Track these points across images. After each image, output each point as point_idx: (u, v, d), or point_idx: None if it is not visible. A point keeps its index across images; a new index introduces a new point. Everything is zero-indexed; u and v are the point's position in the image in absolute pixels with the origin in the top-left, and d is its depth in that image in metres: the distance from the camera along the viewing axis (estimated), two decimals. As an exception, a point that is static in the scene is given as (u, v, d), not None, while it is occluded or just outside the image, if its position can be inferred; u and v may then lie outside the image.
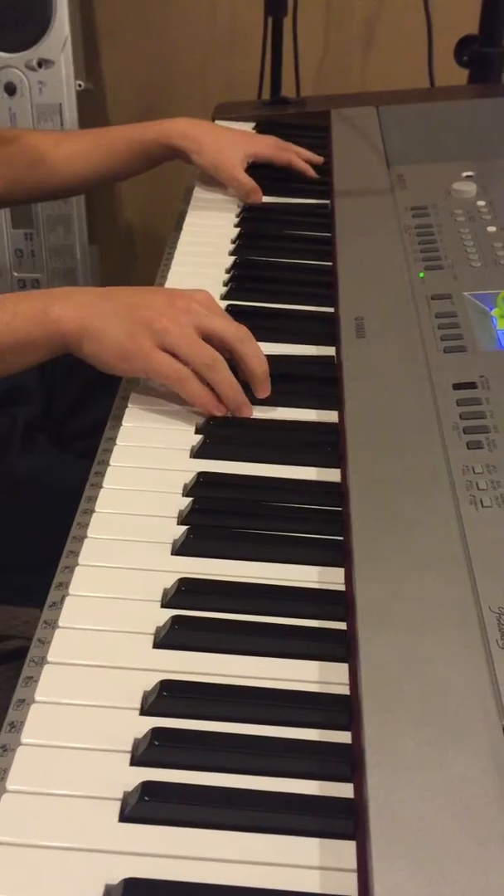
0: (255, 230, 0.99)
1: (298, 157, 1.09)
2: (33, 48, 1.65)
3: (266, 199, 1.04)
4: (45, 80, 1.66)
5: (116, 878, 0.40)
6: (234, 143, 1.04)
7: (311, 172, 1.09)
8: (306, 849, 0.42)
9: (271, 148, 1.08)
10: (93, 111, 1.79)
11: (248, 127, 1.26)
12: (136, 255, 1.99)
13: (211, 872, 0.41)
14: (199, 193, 1.08)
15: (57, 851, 0.42)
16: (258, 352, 0.70)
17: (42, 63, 1.65)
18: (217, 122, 1.28)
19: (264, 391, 0.71)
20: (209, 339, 0.69)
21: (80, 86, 1.68)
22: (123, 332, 0.68)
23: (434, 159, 1.05)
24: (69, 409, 0.98)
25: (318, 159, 1.10)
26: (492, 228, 0.89)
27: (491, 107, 1.23)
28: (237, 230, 0.99)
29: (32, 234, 1.78)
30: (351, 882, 0.41)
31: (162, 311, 0.68)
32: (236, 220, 1.01)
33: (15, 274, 1.82)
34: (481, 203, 0.94)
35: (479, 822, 0.41)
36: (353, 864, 0.41)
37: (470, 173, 1.00)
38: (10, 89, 1.66)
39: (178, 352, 0.68)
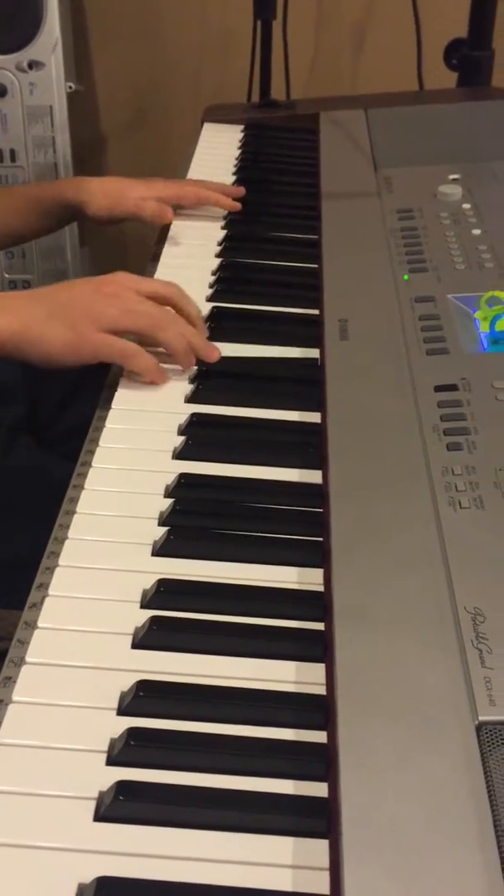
0: (241, 232, 0.99)
1: (217, 195, 1.02)
2: (24, 50, 1.65)
3: (252, 199, 1.04)
4: (36, 81, 1.66)
5: (90, 877, 0.41)
6: (128, 187, 0.99)
7: (227, 203, 1.01)
8: (280, 848, 0.42)
9: (177, 189, 1.00)
10: (83, 113, 1.79)
11: (236, 130, 1.27)
12: (126, 256, 1.99)
13: (185, 871, 0.41)
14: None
15: (31, 850, 0.42)
16: (190, 304, 0.76)
17: (33, 65, 1.65)
18: (206, 124, 1.29)
19: (212, 352, 0.75)
20: (153, 299, 0.74)
21: (70, 87, 1.68)
22: (62, 326, 0.71)
23: (421, 162, 1.05)
24: (54, 410, 0.98)
25: (238, 191, 1.04)
26: (476, 231, 0.89)
27: (478, 110, 1.23)
28: (224, 232, 0.99)
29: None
30: (323, 881, 0.41)
31: (94, 300, 0.72)
32: (223, 223, 1.01)
33: (6, 275, 1.82)
34: (467, 206, 0.94)
35: (451, 821, 0.41)
36: (326, 863, 0.42)
37: (456, 176, 1.00)
38: (1, 91, 1.67)
39: (120, 327, 0.72)
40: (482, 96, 1.31)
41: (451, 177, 1.00)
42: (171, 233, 0.99)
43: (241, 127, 1.27)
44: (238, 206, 1.02)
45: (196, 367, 0.76)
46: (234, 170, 1.15)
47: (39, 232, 1.07)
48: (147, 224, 0.99)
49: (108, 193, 0.97)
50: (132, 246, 1.97)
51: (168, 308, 0.75)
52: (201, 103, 1.38)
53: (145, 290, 0.75)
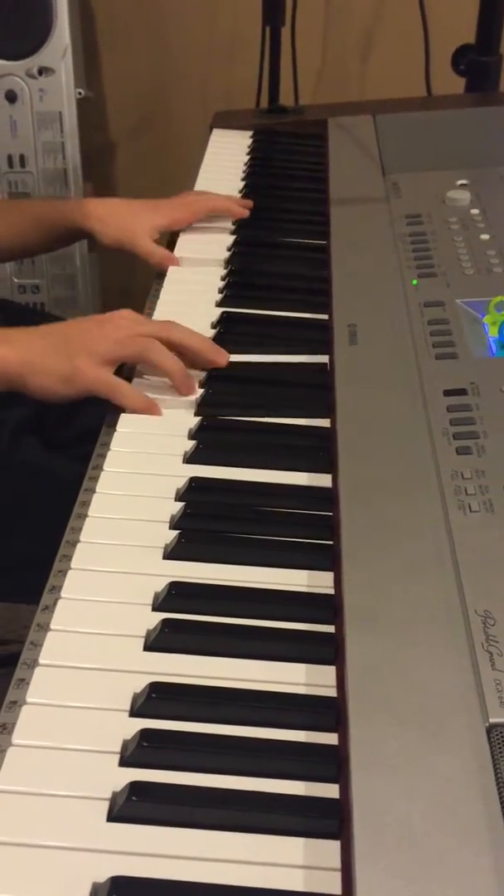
0: (250, 237, 1.00)
1: (227, 202, 1.02)
2: (34, 56, 1.66)
3: (261, 204, 1.04)
4: (46, 87, 1.67)
5: (104, 876, 0.41)
6: (141, 216, 0.98)
7: (238, 211, 1.01)
8: (292, 848, 0.43)
9: (185, 211, 1.00)
10: (93, 119, 1.80)
11: (245, 136, 1.27)
12: (134, 262, 1.99)
13: (197, 871, 0.42)
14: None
15: (46, 850, 0.42)
16: (188, 331, 0.77)
17: (42, 71, 1.66)
18: (215, 130, 1.30)
19: (221, 356, 0.76)
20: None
21: (80, 94, 1.69)
22: (60, 359, 0.73)
23: (429, 168, 1.06)
24: (63, 412, 0.99)
25: (247, 203, 1.03)
26: (485, 236, 0.90)
27: (486, 115, 1.24)
28: (233, 237, 1.00)
29: (33, 241, 1.78)
30: (335, 881, 0.41)
31: (93, 335, 0.74)
32: (232, 228, 1.02)
33: (15, 280, 1.83)
34: (475, 211, 0.95)
35: (462, 822, 0.41)
36: (338, 864, 0.42)
37: (464, 182, 1.00)
38: (11, 97, 1.68)
39: (114, 357, 0.73)
40: (490, 102, 1.32)
41: (460, 182, 1.00)
42: (180, 239, 1.00)
43: (250, 133, 1.28)
44: (246, 212, 1.02)
45: (206, 373, 0.76)
46: (242, 175, 1.15)
47: (45, 249, 1.08)
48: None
49: (116, 226, 0.97)
50: (141, 251, 1.98)
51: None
52: (210, 109, 1.39)
53: (145, 324, 0.77)
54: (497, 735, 0.45)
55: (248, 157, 1.21)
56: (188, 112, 1.79)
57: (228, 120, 1.32)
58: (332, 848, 0.43)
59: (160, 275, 0.94)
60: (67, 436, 0.97)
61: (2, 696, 0.50)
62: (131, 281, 1.98)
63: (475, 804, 0.42)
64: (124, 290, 1.92)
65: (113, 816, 0.43)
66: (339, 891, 0.41)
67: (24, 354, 0.74)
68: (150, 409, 0.73)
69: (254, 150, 1.23)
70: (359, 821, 0.42)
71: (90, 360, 0.73)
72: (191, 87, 1.80)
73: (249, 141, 1.26)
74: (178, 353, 0.75)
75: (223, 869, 0.42)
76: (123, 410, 0.72)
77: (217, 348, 0.77)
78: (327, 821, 0.43)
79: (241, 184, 1.13)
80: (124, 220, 0.98)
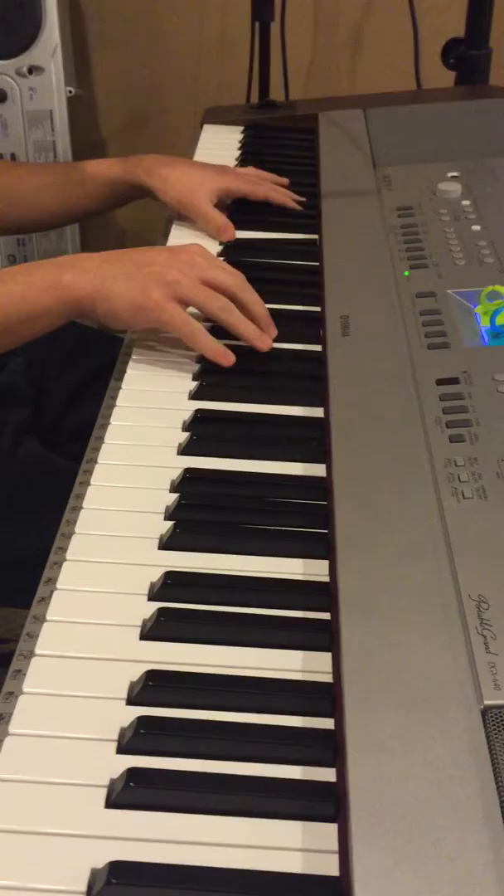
0: (242, 231, 1.00)
1: (276, 190, 1.03)
2: (24, 55, 1.66)
3: (252, 199, 1.04)
4: (36, 86, 1.67)
5: (102, 862, 0.41)
6: (202, 179, 0.99)
7: (292, 204, 1.02)
8: (289, 831, 0.43)
9: (245, 183, 1.01)
10: (83, 117, 1.80)
11: (236, 131, 1.27)
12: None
13: (195, 855, 0.42)
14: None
15: (44, 837, 0.42)
16: (257, 298, 0.77)
17: (32, 69, 1.66)
18: (206, 126, 1.30)
19: (272, 330, 0.77)
20: (213, 288, 0.74)
21: (70, 92, 1.69)
22: (135, 288, 0.72)
23: (420, 160, 1.06)
24: (59, 410, 0.99)
25: (298, 199, 1.04)
26: (476, 227, 0.90)
27: (476, 108, 1.24)
28: (225, 232, 1.00)
29: (25, 240, 1.79)
30: (332, 863, 0.42)
31: (168, 265, 0.72)
32: (224, 222, 1.02)
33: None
34: (466, 203, 0.95)
35: (457, 804, 0.42)
36: (335, 846, 0.42)
37: (455, 173, 1.01)
38: (1, 96, 1.68)
39: (190, 300, 0.72)
40: (480, 95, 1.32)
41: (451, 174, 1.00)
42: (172, 233, 1.00)
43: (241, 128, 1.28)
44: (297, 206, 1.03)
45: (199, 364, 0.76)
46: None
47: (105, 210, 1.08)
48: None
49: (179, 185, 0.98)
50: (133, 249, 1.98)
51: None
52: (200, 105, 1.39)
53: (216, 268, 0.76)
54: (492, 717, 0.45)
55: (238, 153, 1.21)
56: (179, 108, 1.79)
57: (219, 116, 1.32)
58: (329, 831, 0.43)
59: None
60: (64, 432, 0.98)
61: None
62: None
63: (471, 786, 0.42)
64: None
65: (111, 803, 0.44)
66: (336, 872, 0.41)
67: (94, 280, 0.72)
68: (226, 357, 0.72)
69: (244, 146, 1.23)
70: (355, 803, 0.42)
71: (165, 292, 0.71)
72: (181, 84, 1.80)
73: (240, 136, 1.26)
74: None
75: (221, 853, 0.42)
76: (116, 397, 0.72)
77: (272, 323, 0.77)
78: (324, 804, 0.44)
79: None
80: (186, 179, 0.98)
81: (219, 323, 0.75)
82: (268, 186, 1.03)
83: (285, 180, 1.07)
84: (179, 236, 0.99)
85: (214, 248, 0.98)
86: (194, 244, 0.77)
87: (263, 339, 0.75)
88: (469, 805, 0.42)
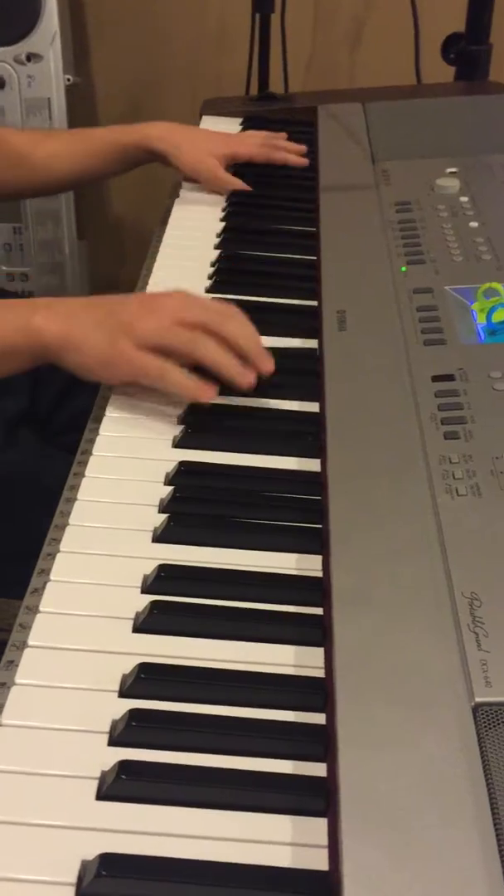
0: (240, 224, 1.00)
1: (277, 151, 1.09)
2: (22, 42, 1.65)
3: (250, 192, 1.05)
4: (34, 74, 1.66)
5: (93, 854, 0.41)
6: (213, 144, 1.04)
7: (297, 160, 1.09)
8: (279, 826, 0.43)
9: (251, 147, 1.07)
10: (82, 106, 1.79)
11: (234, 123, 1.27)
12: (124, 249, 2.00)
13: (186, 849, 0.42)
14: (187, 188, 1.08)
15: (35, 828, 0.42)
16: (244, 329, 0.70)
17: (31, 57, 1.65)
18: (205, 118, 1.29)
19: (265, 365, 0.70)
20: (190, 326, 0.69)
21: (68, 80, 1.68)
22: (104, 339, 0.68)
23: (419, 155, 1.06)
24: (54, 402, 0.98)
25: (301, 149, 1.10)
26: (474, 224, 0.90)
27: (476, 104, 1.24)
28: (222, 224, 1.00)
29: (21, 228, 1.78)
30: (322, 858, 0.42)
31: (139, 315, 0.69)
32: (221, 214, 1.02)
33: (3, 268, 1.83)
34: (464, 199, 0.95)
35: (447, 800, 0.42)
36: (325, 841, 0.42)
37: (454, 169, 1.01)
38: (0, 83, 1.67)
39: (157, 344, 0.68)
40: (480, 90, 1.32)
41: (449, 170, 1.00)
42: (169, 225, 1.00)
43: (240, 120, 1.27)
44: (306, 161, 1.09)
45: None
46: (229, 167, 1.15)
47: (116, 174, 1.10)
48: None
49: (192, 153, 1.02)
50: (130, 239, 1.98)
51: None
52: (199, 96, 1.38)
53: (195, 307, 0.70)
54: (483, 714, 0.45)
55: (237, 145, 1.20)
56: (178, 99, 1.78)
57: (218, 107, 1.31)
58: (319, 825, 0.43)
59: (152, 253, 0.94)
60: (60, 421, 0.97)
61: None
62: (120, 269, 1.98)
63: (461, 782, 0.42)
64: (113, 279, 1.91)
65: (102, 795, 0.44)
66: (326, 867, 0.41)
67: (65, 327, 0.68)
68: (204, 393, 0.67)
69: (243, 138, 1.22)
70: (345, 799, 0.42)
71: (134, 343, 0.67)
72: (180, 75, 1.80)
73: (239, 128, 1.25)
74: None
75: (211, 846, 0.42)
76: (110, 388, 0.72)
77: (264, 354, 0.70)
78: (314, 799, 0.44)
79: (231, 170, 1.12)
80: (198, 145, 1.03)
81: (196, 362, 0.68)
82: (272, 149, 1.08)
83: (300, 147, 1.10)
84: (187, 197, 1.01)
85: (216, 219, 0.98)
86: (178, 291, 0.72)
87: (244, 374, 0.68)
88: (459, 802, 0.42)
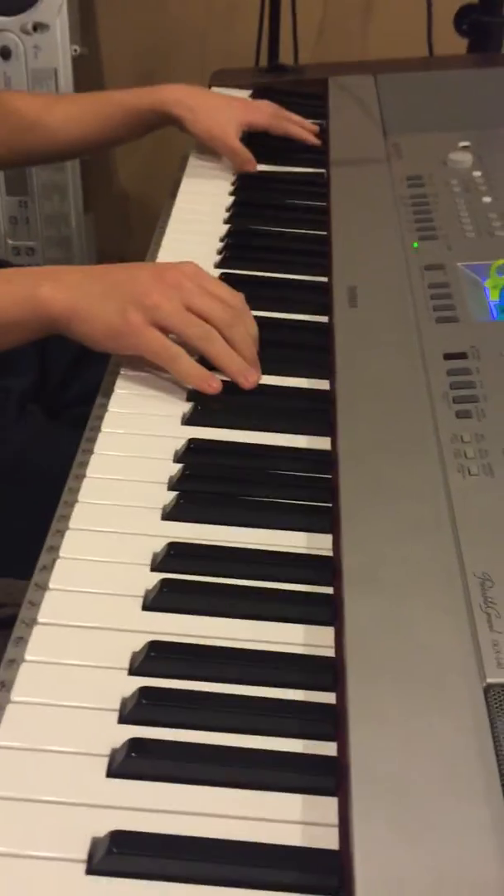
0: (249, 198, 0.99)
1: (294, 125, 1.08)
2: (29, 12, 1.63)
3: (262, 167, 1.03)
4: (41, 44, 1.64)
5: (103, 831, 0.41)
6: (229, 111, 1.03)
7: (312, 139, 1.08)
8: (290, 804, 0.43)
9: (267, 117, 1.07)
10: (88, 76, 1.77)
11: (244, 95, 1.25)
12: (131, 223, 1.98)
13: (195, 826, 0.42)
14: (195, 161, 1.07)
15: (46, 805, 0.43)
16: (246, 337, 0.69)
17: (37, 27, 1.63)
18: (214, 89, 1.28)
19: (255, 373, 0.69)
20: (199, 316, 0.68)
21: (75, 51, 1.66)
22: (113, 310, 0.67)
23: (431, 129, 1.04)
24: (62, 378, 0.98)
25: (314, 128, 1.10)
26: (487, 199, 0.89)
27: (489, 77, 1.22)
28: (232, 198, 0.98)
29: (27, 202, 1.76)
30: (332, 836, 0.42)
31: (151, 287, 0.67)
32: (231, 189, 1.01)
33: (9, 241, 1.81)
34: (477, 174, 0.94)
35: (458, 779, 0.42)
36: (335, 820, 0.42)
37: (466, 143, 0.99)
38: (5, 53, 1.65)
39: (169, 327, 0.67)
40: (493, 63, 1.30)
41: (462, 144, 0.99)
42: (178, 199, 0.99)
43: (250, 92, 1.26)
44: (313, 139, 1.08)
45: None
46: (241, 135, 1.13)
47: (132, 138, 1.09)
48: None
49: (207, 117, 1.01)
50: (137, 212, 1.96)
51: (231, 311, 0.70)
52: (208, 68, 1.36)
53: (205, 294, 0.69)
54: (494, 694, 0.45)
55: (247, 117, 1.19)
56: (186, 70, 1.76)
57: (227, 79, 1.30)
58: (329, 804, 0.43)
59: (160, 227, 0.93)
60: (68, 399, 0.97)
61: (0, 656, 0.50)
62: (127, 243, 1.96)
63: (472, 762, 0.42)
64: (120, 252, 1.90)
65: (112, 772, 0.44)
66: (336, 846, 0.41)
67: (73, 298, 0.67)
68: (210, 385, 0.67)
69: (253, 110, 1.21)
70: (356, 777, 0.42)
71: (144, 317, 0.66)
72: (189, 45, 1.77)
73: (249, 100, 1.24)
74: None
75: (221, 824, 0.42)
76: (119, 365, 0.71)
77: (256, 365, 0.69)
78: (325, 777, 0.44)
79: (243, 141, 1.11)
80: (215, 111, 1.02)
81: (200, 353, 0.68)
82: (287, 122, 1.07)
83: (303, 122, 1.09)
84: (196, 171, 1.00)
85: (226, 193, 0.98)
86: (188, 263, 0.70)
87: (248, 373, 0.68)
88: (470, 782, 0.42)
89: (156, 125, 1.05)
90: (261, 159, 1.04)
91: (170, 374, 0.69)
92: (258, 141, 1.09)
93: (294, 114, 1.10)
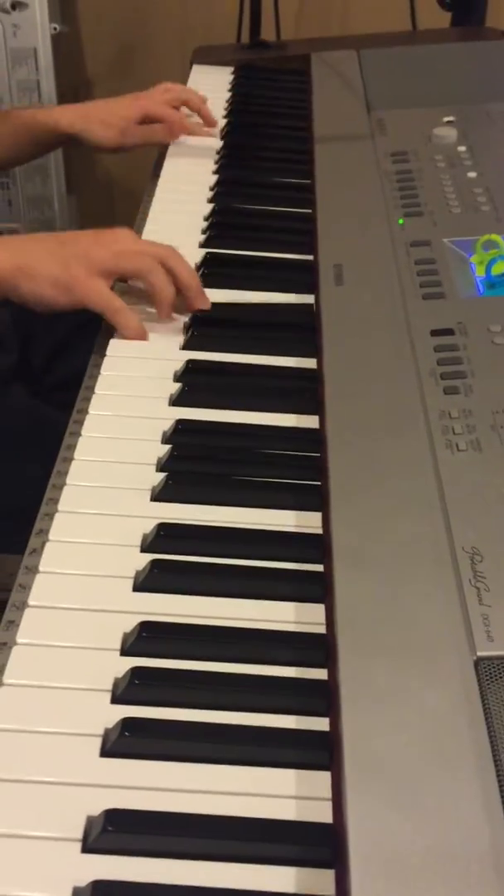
0: (233, 176, 0.98)
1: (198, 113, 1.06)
2: (6, -10, 1.60)
3: (243, 142, 1.03)
4: (20, 23, 1.62)
5: (98, 810, 0.41)
6: (121, 107, 1.02)
7: (207, 132, 1.06)
8: (283, 779, 0.43)
9: (164, 106, 1.04)
10: (68, 55, 1.75)
11: (226, 72, 1.24)
12: (114, 204, 1.96)
13: (190, 803, 0.42)
14: (177, 140, 1.06)
15: (40, 786, 0.43)
16: (187, 265, 0.75)
17: (16, 5, 1.60)
18: (195, 66, 1.26)
19: (203, 301, 0.75)
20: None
21: (55, 29, 1.64)
22: (58, 264, 0.71)
23: (415, 104, 1.04)
24: (47, 359, 0.98)
25: (214, 121, 1.08)
26: (472, 174, 0.89)
27: (473, 51, 1.21)
28: (215, 177, 0.98)
29: (9, 184, 1.75)
30: (326, 810, 0.42)
31: (92, 242, 0.72)
32: (214, 167, 1.00)
33: (-8, 225, 1.79)
34: (462, 149, 0.93)
35: (449, 753, 0.42)
36: (328, 794, 0.43)
37: (451, 118, 0.99)
38: (-16, 33, 1.62)
39: (111, 269, 0.72)
40: (476, 36, 1.29)
41: (446, 119, 0.98)
42: (161, 179, 0.98)
43: (231, 69, 1.25)
44: (214, 122, 1.07)
45: (190, 315, 0.75)
46: (224, 113, 1.13)
47: (32, 157, 1.09)
48: (162, 143, 1.02)
49: (106, 122, 0.99)
50: (120, 194, 1.95)
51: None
52: (189, 45, 1.35)
53: (143, 242, 0.76)
54: (484, 668, 0.45)
55: (229, 94, 1.18)
56: (167, 48, 1.74)
57: (209, 55, 1.29)
58: (323, 779, 0.43)
59: (144, 203, 0.93)
60: (52, 381, 0.96)
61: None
62: (111, 224, 1.94)
63: (463, 735, 0.43)
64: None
65: (106, 752, 0.44)
66: (330, 819, 0.42)
67: (17, 258, 0.71)
68: (142, 336, 0.72)
69: (235, 87, 1.20)
70: (349, 752, 0.42)
71: (88, 269, 0.71)
72: (169, 22, 1.75)
73: (230, 77, 1.23)
74: None
75: (216, 801, 0.42)
76: (105, 348, 0.71)
77: (203, 294, 0.76)
78: (318, 752, 0.44)
79: (224, 121, 1.10)
80: (111, 116, 1.00)
81: (144, 283, 0.74)
82: (179, 117, 1.05)
83: (212, 118, 1.08)
84: (179, 149, 0.98)
85: (209, 172, 0.96)
86: (123, 227, 0.76)
87: (169, 314, 0.74)
88: (461, 755, 0.42)
89: (58, 144, 1.06)
90: (243, 137, 1.03)
91: (160, 351, 0.71)
92: (240, 118, 1.09)
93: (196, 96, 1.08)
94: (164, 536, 0.55)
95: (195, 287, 0.75)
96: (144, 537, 0.56)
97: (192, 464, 0.61)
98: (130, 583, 0.53)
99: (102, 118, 1.00)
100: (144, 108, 1.02)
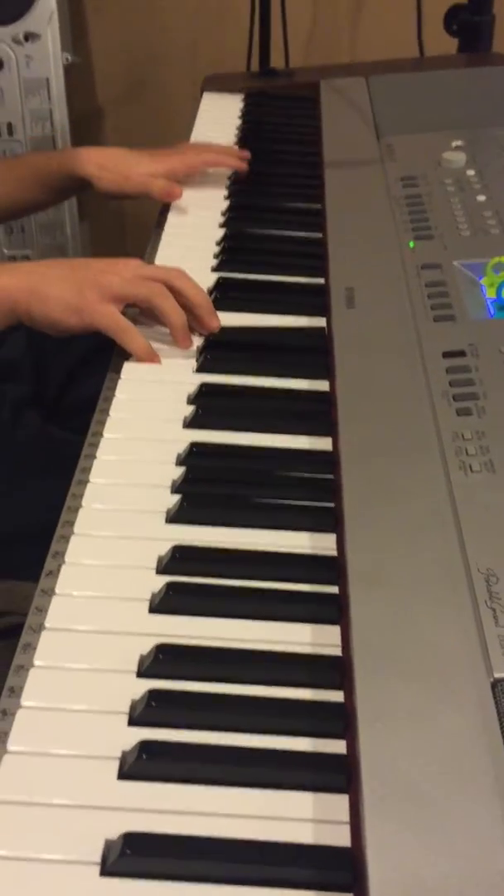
0: (245, 202, 0.99)
1: (223, 155, 1.03)
2: (19, 21, 1.63)
3: (255, 168, 1.04)
4: (32, 54, 1.65)
5: (116, 833, 0.41)
6: (135, 163, 0.98)
7: (236, 163, 1.03)
8: (301, 803, 0.43)
9: (184, 163, 1.00)
10: (81, 85, 1.78)
11: (237, 99, 1.26)
12: (126, 230, 1.98)
13: (208, 826, 0.42)
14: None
15: (58, 809, 0.43)
16: (194, 284, 0.76)
17: (29, 37, 1.63)
18: (206, 94, 1.28)
19: (214, 320, 0.76)
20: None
21: (67, 59, 1.66)
22: (69, 288, 0.73)
23: (424, 129, 1.05)
24: (60, 386, 0.98)
25: (244, 154, 1.04)
26: (481, 198, 0.89)
27: (480, 76, 1.23)
28: (227, 202, 0.99)
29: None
30: (344, 834, 0.42)
31: (104, 269, 0.74)
32: (226, 192, 1.01)
33: (5, 251, 1.81)
34: (471, 172, 0.94)
35: (468, 775, 0.42)
36: (346, 817, 0.42)
37: (459, 143, 1.00)
38: (-2, 64, 1.65)
39: (124, 295, 0.73)
40: (483, 62, 1.30)
41: (455, 143, 0.99)
42: (174, 204, 0.99)
43: (242, 96, 1.26)
44: (244, 165, 1.03)
45: (204, 338, 0.76)
46: (235, 140, 1.14)
47: (45, 204, 1.07)
48: (155, 200, 0.99)
49: (113, 169, 0.97)
50: (132, 220, 1.96)
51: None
52: (199, 73, 1.37)
53: (153, 268, 0.78)
54: (501, 690, 0.45)
55: (239, 121, 1.19)
56: (178, 76, 1.76)
57: (219, 83, 1.30)
58: (341, 802, 0.43)
59: (157, 229, 0.93)
60: (65, 407, 0.97)
61: (1, 667, 0.50)
62: (122, 250, 1.97)
63: (481, 758, 0.43)
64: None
65: (123, 774, 0.44)
66: (348, 843, 0.42)
67: (30, 282, 0.73)
68: (152, 358, 0.73)
69: (246, 114, 1.22)
70: (367, 775, 0.42)
71: (99, 293, 0.72)
72: (180, 51, 1.77)
73: (241, 104, 1.24)
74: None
75: (234, 824, 0.42)
76: (119, 370, 0.72)
77: (214, 312, 0.77)
78: (335, 775, 0.44)
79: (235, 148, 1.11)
80: (120, 165, 0.98)
81: (154, 311, 0.75)
82: (200, 160, 1.01)
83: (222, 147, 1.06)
84: (181, 210, 0.98)
85: (221, 197, 0.97)
86: (133, 258, 0.77)
87: (185, 338, 0.74)
88: (479, 777, 0.42)
89: (68, 188, 1.03)
90: (254, 163, 1.04)
91: (173, 374, 0.71)
92: (251, 144, 1.10)
93: (220, 147, 1.06)
94: (180, 559, 0.55)
95: (205, 305, 0.76)
96: (160, 559, 0.56)
97: (206, 486, 0.61)
98: (146, 605, 0.53)
99: (118, 167, 0.97)
100: (168, 165, 0.98)
